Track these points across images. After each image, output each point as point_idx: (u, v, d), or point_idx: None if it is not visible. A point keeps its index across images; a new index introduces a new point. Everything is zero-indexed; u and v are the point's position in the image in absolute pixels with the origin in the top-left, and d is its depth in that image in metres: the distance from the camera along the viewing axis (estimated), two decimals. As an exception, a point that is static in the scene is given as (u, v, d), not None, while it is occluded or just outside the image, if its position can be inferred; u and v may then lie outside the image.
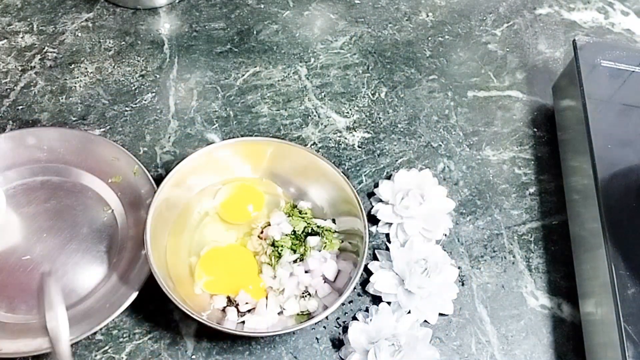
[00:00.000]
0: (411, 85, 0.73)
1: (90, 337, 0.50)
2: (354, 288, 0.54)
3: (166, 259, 0.52)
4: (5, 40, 0.68)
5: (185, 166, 0.55)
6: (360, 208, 0.54)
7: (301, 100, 0.69)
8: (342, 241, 0.56)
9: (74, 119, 0.63)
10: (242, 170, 0.59)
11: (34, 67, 0.67)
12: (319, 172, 0.58)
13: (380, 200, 0.61)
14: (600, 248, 0.53)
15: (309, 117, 0.68)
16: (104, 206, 0.56)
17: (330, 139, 0.66)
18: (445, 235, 0.61)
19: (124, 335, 0.50)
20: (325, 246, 0.54)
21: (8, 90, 0.64)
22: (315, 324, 0.53)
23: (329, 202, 0.58)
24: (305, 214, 0.57)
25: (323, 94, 0.70)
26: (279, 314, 0.52)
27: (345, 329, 0.52)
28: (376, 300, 0.55)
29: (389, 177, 0.63)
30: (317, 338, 0.52)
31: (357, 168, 0.64)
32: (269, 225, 0.56)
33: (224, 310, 0.52)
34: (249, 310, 0.52)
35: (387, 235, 0.59)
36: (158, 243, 0.52)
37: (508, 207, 0.64)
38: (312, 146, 0.65)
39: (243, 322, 0.51)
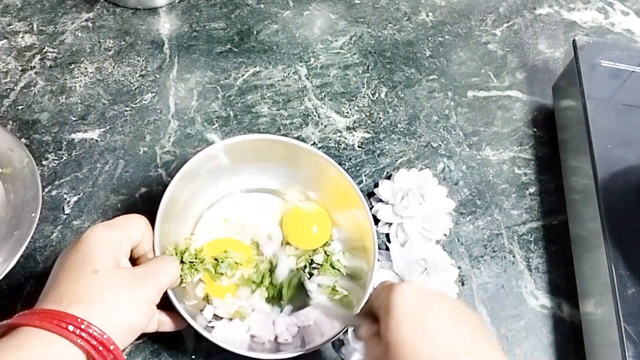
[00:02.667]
0: (411, 85, 0.73)
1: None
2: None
3: None
4: (5, 40, 0.68)
5: (193, 164, 0.51)
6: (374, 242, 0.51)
7: (301, 100, 0.69)
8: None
9: (74, 119, 0.63)
10: (257, 178, 0.58)
11: (34, 67, 0.67)
12: (348, 202, 0.55)
13: (380, 200, 0.61)
14: (600, 248, 0.53)
15: (309, 117, 0.68)
16: None
17: (330, 139, 0.66)
18: (445, 235, 0.61)
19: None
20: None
21: (8, 90, 0.64)
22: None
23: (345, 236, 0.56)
24: (338, 269, 0.54)
25: (323, 94, 0.70)
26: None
27: (345, 329, 0.52)
28: (376, 300, 0.55)
29: (389, 177, 0.63)
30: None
31: (357, 168, 0.64)
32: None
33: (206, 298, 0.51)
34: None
35: (387, 235, 0.59)
36: (163, 243, 0.51)
37: (508, 207, 0.64)
38: (312, 146, 0.65)
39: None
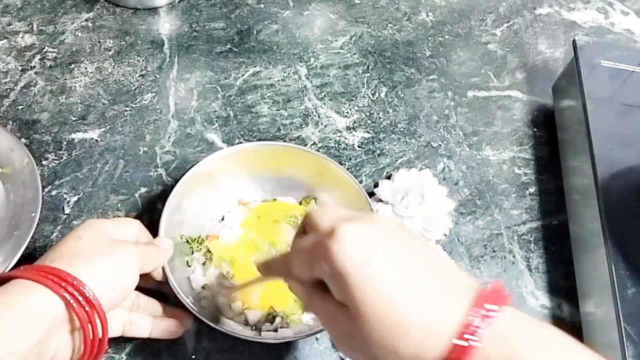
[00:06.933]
0: (411, 85, 0.73)
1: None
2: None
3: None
4: (5, 40, 0.68)
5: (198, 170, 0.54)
6: None
7: (301, 100, 0.69)
8: None
9: (74, 118, 0.63)
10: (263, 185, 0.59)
11: (34, 67, 0.67)
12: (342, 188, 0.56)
13: (380, 200, 0.61)
14: (600, 248, 0.53)
15: (309, 117, 0.68)
16: None
17: (330, 139, 0.66)
18: (445, 235, 0.61)
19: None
20: None
21: (8, 90, 0.64)
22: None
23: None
24: None
25: (323, 94, 0.70)
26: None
27: (345, 329, 0.52)
28: (376, 300, 0.55)
29: (389, 177, 0.63)
30: (317, 338, 0.52)
31: (357, 168, 0.64)
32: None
33: None
34: None
35: (387, 235, 0.59)
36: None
37: (508, 207, 0.64)
38: (312, 146, 0.65)
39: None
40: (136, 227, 0.48)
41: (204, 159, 0.54)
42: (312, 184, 0.58)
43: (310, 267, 0.34)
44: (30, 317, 0.36)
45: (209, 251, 0.53)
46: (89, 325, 0.39)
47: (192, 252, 0.53)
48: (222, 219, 0.56)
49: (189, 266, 0.52)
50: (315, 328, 0.48)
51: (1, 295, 0.37)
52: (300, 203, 0.58)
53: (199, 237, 0.53)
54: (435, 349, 0.30)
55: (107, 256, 0.42)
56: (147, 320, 0.47)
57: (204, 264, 0.53)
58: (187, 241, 0.53)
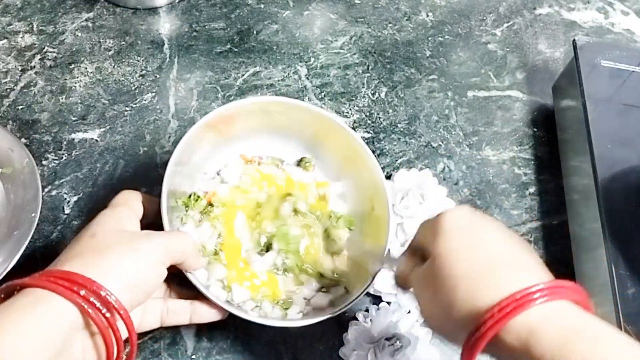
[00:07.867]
0: (411, 85, 0.73)
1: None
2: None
3: None
4: (5, 40, 0.68)
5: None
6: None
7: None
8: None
9: (74, 118, 0.63)
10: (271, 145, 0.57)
11: (34, 67, 0.67)
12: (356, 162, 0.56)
13: (380, 200, 0.61)
14: (600, 248, 0.53)
15: (309, 117, 0.68)
16: None
17: (330, 139, 0.66)
18: (445, 235, 0.60)
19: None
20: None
21: (8, 90, 0.64)
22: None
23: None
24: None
25: (323, 94, 0.70)
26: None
27: (345, 329, 0.52)
28: (376, 300, 0.55)
29: (389, 177, 0.63)
30: (317, 338, 0.52)
31: (357, 168, 0.64)
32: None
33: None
34: None
35: (387, 235, 0.59)
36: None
37: (508, 207, 0.64)
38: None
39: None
40: (139, 198, 0.46)
41: (212, 111, 0.52)
42: (315, 145, 0.58)
43: (421, 234, 0.42)
44: (44, 328, 0.33)
45: (210, 205, 0.52)
46: (109, 329, 0.36)
47: (187, 210, 0.51)
48: (218, 173, 0.56)
49: (184, 224, 0.51)
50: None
51: (13, 307, 0.34)
52: (300, 161, 0.58)
53: (194, 193, 0.52)
54: (487, 301, 0.34)
55: (127, 252, 0.38)
56: (185, 306, 0.44)
57: (199, 221, 0.51)
58: (184, 202, 0.52)
